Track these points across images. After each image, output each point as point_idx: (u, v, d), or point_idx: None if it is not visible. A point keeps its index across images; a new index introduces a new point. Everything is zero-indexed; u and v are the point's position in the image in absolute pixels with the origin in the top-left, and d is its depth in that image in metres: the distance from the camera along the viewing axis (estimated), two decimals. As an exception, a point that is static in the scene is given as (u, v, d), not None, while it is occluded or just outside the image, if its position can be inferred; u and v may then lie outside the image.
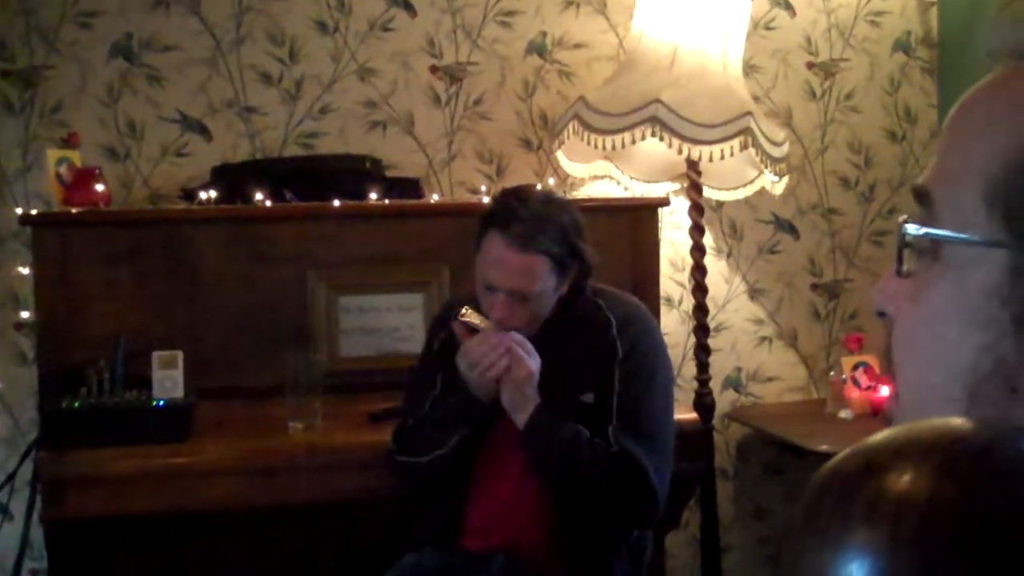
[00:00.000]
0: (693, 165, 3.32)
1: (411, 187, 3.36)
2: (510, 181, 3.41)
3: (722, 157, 3.17)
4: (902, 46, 3.91)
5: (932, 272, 0.69)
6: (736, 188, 3.53)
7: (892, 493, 0.50)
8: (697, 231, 3.41)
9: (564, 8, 3.62)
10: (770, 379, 3.85)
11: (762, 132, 3.21)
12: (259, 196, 3.12)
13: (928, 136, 3.90)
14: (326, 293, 3.13)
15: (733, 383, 3.82)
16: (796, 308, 3.86)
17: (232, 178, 3.22)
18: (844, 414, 3.44)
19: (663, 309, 3.52)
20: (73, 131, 3.18)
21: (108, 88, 3.35)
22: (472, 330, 2.38)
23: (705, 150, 3.16)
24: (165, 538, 2.80)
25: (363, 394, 2.99)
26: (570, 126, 3.28)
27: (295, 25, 3.45)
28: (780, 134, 3.39)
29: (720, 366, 3.71)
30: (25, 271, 3.20)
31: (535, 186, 2.64)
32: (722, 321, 3.78)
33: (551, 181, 3.51)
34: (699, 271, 3.42)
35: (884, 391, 3.41)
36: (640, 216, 3.37)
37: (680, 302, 3.71)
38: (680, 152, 3.18)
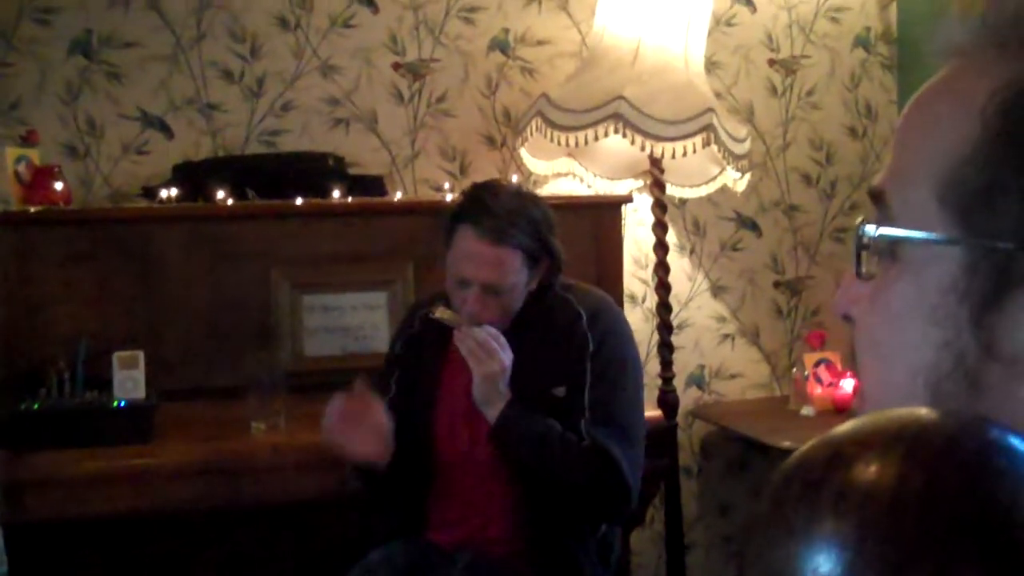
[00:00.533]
0: (656, 162, 3.33)
1: (374, 185, 3.34)
2: (473, 178, 3.37)
3: (684, 154, 3.18)
4: (862, 42, 3.93)
5: (891, 272, 0.69)
6: (699, 185, 3.54)
7: (859, 483, 0.50)
8: (660, 228, 3.41)
9: (526, 4, 3.62)
10: (733, 376, 3.87)
11: (724, 129, 3.22)
12: (221, 194, 3.10)
13: (889, 132, 3.93)
14: (289, 292, 3.11)
15: (696, 380, 3.84)
16: (759, 305, 3.88)
17: (194, 176, 3.19)
18: (806, 411, 3.47)
19: (627, 306, 3.53)
20: (32, 129, 3.14)
21: (67, 85, 3.31)
22: (448, 328, 2.38)
23: (668, 147, 3.17)
24: (128, 540, 2.78)
25: (327, 393, 2.94)
26: (533, 123, 3.28)
27: (256, 21, 3.43)
28: (742, 131, 3.41)
29: (683, 363, 3.72)
30: (-17, 271, 3.16)
31: (505, 180, 2.64)
32: (685, 319, 3.79)
33: (515, 178, 3.50)
34: (662, 268, 3.43)
35: (846, 387, 3.44)
36: (603, 213, 3.37)
37: (643, 299, 3.72)
38: (643, 149, 3.19)
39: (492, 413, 2.34)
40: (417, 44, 3.55)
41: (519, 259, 2.35)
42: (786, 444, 3.19)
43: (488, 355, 2.32)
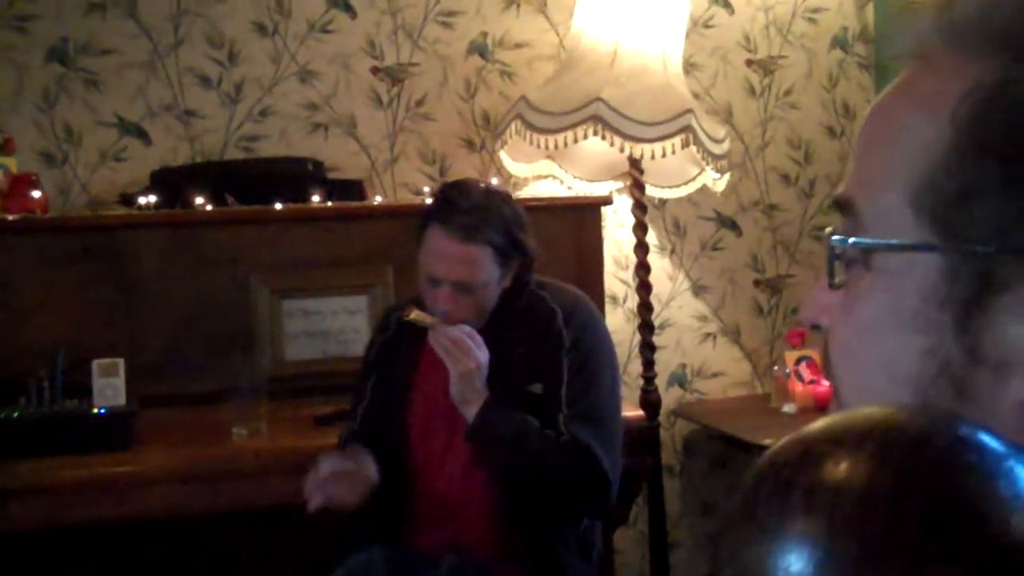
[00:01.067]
0: (635, 163, 3.33)
1: (354, 189, 3.34)
2: (453, 182, 3.40)
3: (664, 155, 3.19)
4: (839, 42, 3.95)
5: (864, 281, 0.69)
6: (678, 186, 3.55)
7: (829, 481, 0.49)
8: (640, 229, 3.42)
9: (505, 8, 3.62)
10: (715, 375, 3.88)
11: (703, 129, 3.23)
12: (200, 200, 3.09)
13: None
14: (269, 297, 3.10)
15: (678, 380, 3.84)
16: (739, 304, 3.89)
17: (172, 182, 3.19)
18: (788, 408, 3.48)
19: (608, 307, 3.54)
20: (8, 137, 3.13)
21: (44, 93, 3.30)
22: (423, 330, 2.38)
23: (647, 148, 3.18)
24: (110, 547, 2.77)
25: (308, 398, 2.97)
26: (512, 126, 3.28)
27: (234, 27, 3.42)
28: (721, 131, 3.41)
29: (665, 363, 3.73)
30: (-39, 280, 3.15)
31: (476, 179, 2.64)
32: (667, 318, 3.80)
33: (494, 181, 3.50)
34: (643, 269, 3.44)
35: (827, 384, 3.45)
36: (583, 215, 3.38)
37: (624, 300, 3.73)
38: (622, 150, 3.19)
39: (470, 412, 2.34)
40: (395, 48, 3.55)
41: (489, 256, 2.35)
42: (768, 442, 3.19)
43: (464, 353, 2.32)
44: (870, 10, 3.97)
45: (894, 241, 0.66)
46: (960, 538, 0.47)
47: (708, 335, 3.87)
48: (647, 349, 3.46)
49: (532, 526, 2.40)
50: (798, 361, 3.53)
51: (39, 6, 3.28)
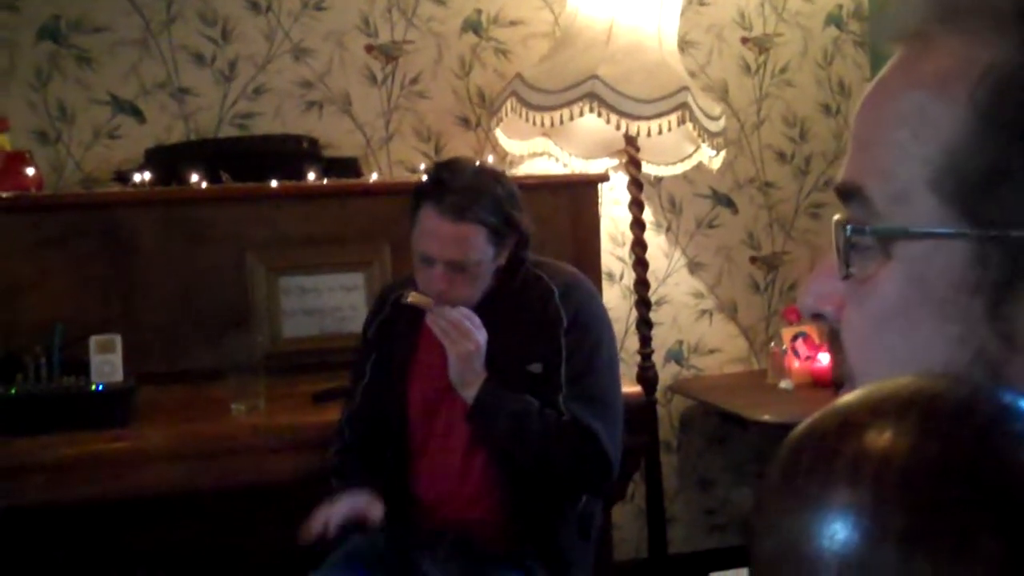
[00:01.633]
0: (631, 141, 3.33)
1: (349, 167, 3.33)
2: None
3: (660, 132, 3.18)
4: (834, 20, 3.95)
5: (884, 270, 0.66)
6: (674, 163, 3.54)
7: (873, 451, 0.49)
8: (636, 206, 3.42)
9: (499, -15, 3.61)
10: (711, 351, 3.89)
11: (699, 107, 3.23)
12: (195, 178, 3.08)
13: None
14: (265, 274, 3.10)
15: (675, 356, 3.85)
16: (735, 281, 3.90)
17: (166, 160, 3.17)
18: (785, 384, 3.48)
19: (604, 284, 3.54)
20: (2, 115, 3.12)
21: (37, 71, 3.29)
22: (420, 311, 2.37)
23: (643, 125, 3.17)
24: (108, 524, 2.76)
25: (306, 375, 2.97)
26: (508, 103, 3.27)
27: (227, 5, 3.41)
28: (716, 109, 3.41)
29: (662, 340, 3.74)
30: (-44, 259, 3.13)
31: (468, 158, 2.63)
32: (663, 295, 3.80)
33: (490, 159, 3.49)
34: (639, 246, 3.44)
35: (823, 360, 3.46)
36: (580, 192, 3.37)
37: (621, 277, 3.73)
38: (618, 128, 3.19)
39: (469, 393, 2.34)
40: (390, 26, 3.54)
41: (482, 235, 2.33)
42: (765, 418, 3.21)
43: (462, 335, 2.31)
44: (865, -13, 3.97)
45: (920, 228, 0.64)
46: (1007, 508, 0.46)
47: (704, 312, 3.87)
48: (644, 326, 3.46)
49: (532, 506, 2.40)
50: (794, 337, 3.54)
51: (31, -16, 3.26)
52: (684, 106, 3.16)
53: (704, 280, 3.86)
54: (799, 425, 0.55)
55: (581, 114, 3.17)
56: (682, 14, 3.46)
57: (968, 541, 0.46)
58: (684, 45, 3.65)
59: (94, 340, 2.76)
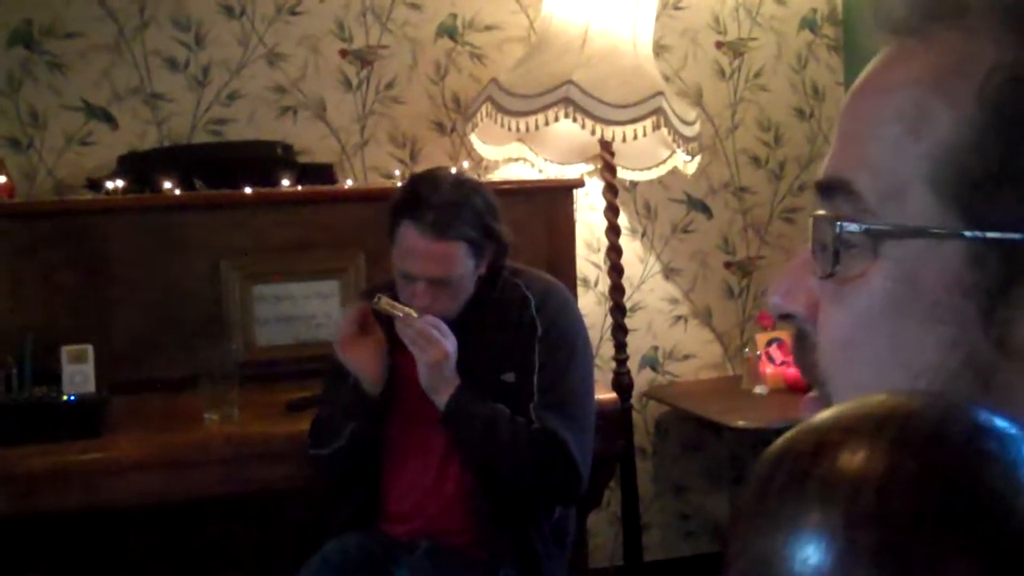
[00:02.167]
0: (606, 146, 3.33)
1: (324, 173, 3.32)
2: (424, 165, 3.39)
3: (635, 137, 3.18)
4: (809, 24, 3.96)
5: (871, 269, 0.64)
6: (649, 168, 3.54)
7: (846, 472, 0.48)
8: (612, 212, 3.42)
9: (474, -11, 3.61)
10: (686, 357, 3.89)
11: (673, 112, 3.23)
12: (168, 184, 3.07)
13: (836, 113, 3.95)
14: (239, 282, 3.08)
15: (650, 362, 3.85)
16: (710, 286, 3.90)
17: (140, 167, 3.16)
18: (759, 390, 3.49)
19: (579, 290, 3.54)
20: (-28, 122, 3.10)
21: (8, 77, 3.26)
22: (388, 318, 2.37)
23: (618, 130, 3.17)
24: (81, 535, 2.74)
25: (280, 383, 2.96)
26: (483, 108, 3.27)
27: (200, 9, 3.39)
28: (691, 113, 3.42)
29: (637, 345, 3.74)
30: (-74, 266, 3.11)
31: (444, 168, 2.62)
32: (638, 301, 3.80)
33: (465, 164, 3.49)
34: (614, 252, 3.44)
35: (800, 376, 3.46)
36: (555, 198, 3.37)
37: (596, 283, 3.73)
38: (593, 133, 3.19)
39: (441, 399, 2.34)
40: (364, 31, 3.53)
41: (463, 250, 2.33)
42: (740, 424, 3.22)
43: (430, 343, 2.30)
44: (838, -8, 3.98)
45: (919, 226, 0.62)
46: (982, 529, 0.46)
47: (679, 317, 3.88)
48: (619, 331, 3.46)
49: (506, 513, 2.40)
50: (769, 343, 3.54)
51: (1, -12, 3.24)
52: (659, 111, 3.16)
53: (679, 286, 3.87)
54: (773, 444, 0.54)
55: (556, 119, 3.17)
56: (657, 18, 3.46)
57: (942, 562, 0.46)
58: (659, 50, 3.65)
59: (66, 350, 2.74)
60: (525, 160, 3.57)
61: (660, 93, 3.19)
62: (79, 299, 2.99)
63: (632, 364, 3.57)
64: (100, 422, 2.72)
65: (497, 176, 3.58)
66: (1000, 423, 0.51)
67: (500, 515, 2.40)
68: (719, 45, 3.87)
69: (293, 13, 3.46)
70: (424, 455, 2.43)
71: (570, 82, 3.14)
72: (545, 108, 3.17)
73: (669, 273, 3.85)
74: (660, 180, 3.66)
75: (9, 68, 3.26)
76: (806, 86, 3.97)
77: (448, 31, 3.59)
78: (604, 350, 3.63)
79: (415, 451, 2.44)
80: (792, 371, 3.46)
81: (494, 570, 2.38)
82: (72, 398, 2.70)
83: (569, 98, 3.13)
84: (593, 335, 3.45)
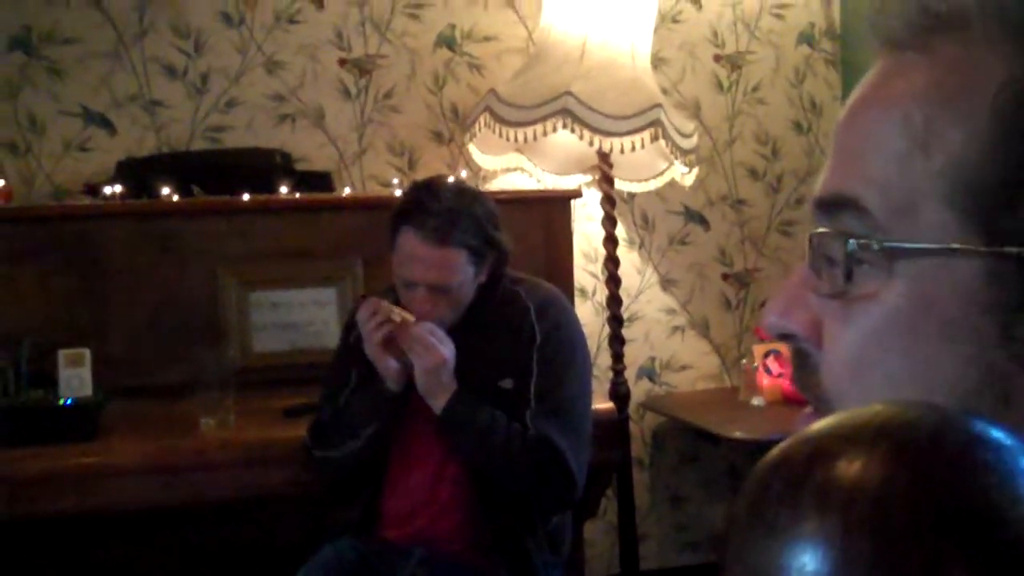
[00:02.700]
0: (604, 157, 3.34)
1: (322, 181, 3.32)
2: (422, 174, 3.39)
3: (633, 149, 3.19)
4: (806, 38, 3.97)
5: (885, 287, 0.63)
6: (647, 180, 3.55)
7: (843, 480, 0.48)
8: (609, 222, 3.42)
9: (472, 0, 3.61)
10: (683, 368, 3.89)
11: (672, 124, 3.24)
12: (166, 191, 3.06)
13: (833, 128, 3.96)
14: (237, 289, 3.08)
15: (647, 372, 3.85)
16: (707, 298, 3.91)
17: (138, 173, 3.16)
18: (757, 401, 3.49)
19: (577, 300, 3.54)
20: (-29, 126, 3.10)
21: (7, 82, 3.26)
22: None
23: (616, 142, 3.18)
24: (76, 540, 2.73)
25: (276, 390, 2.95)
26: (481, 119, 3.28)
27: (200, 17, 3.40)
28: (689, 126, 3.43)
29: (634, 356, 3.74)
30: (-78, 271, 3.10)
31: (444, 177, 2.62)
32: (635, 311, 3.80)
33: (463, 174, 3.49)
34: (612, 262, 3.44)
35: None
36: (553, 208, 3.37)
37: (594, 293, 3.73)
38: (591, 144, 3.19)
39: (438, 404, 2.34)
40: (363, 40, 3.54)
41: (464, 257, 2.34)
42: (737, 435, 3.22)
43: (426, 350, 2.31)
44: (836, 6, 4.00)
45: (935, 244, 0.61)
46: (978, 539, 0.46)
47: (677, 328, 3.88)
48: (616, 342, 3.46)
49: (502, 520, 2.39)
50: (766, 355, 3.54)
51: (2, -6, 3.24)
52: (657, 123, 3.17)
53: (676, 297, 3.87)
54: (769, 453, 0.53)
55: (555, 130, 3.18)
56: (655, 31, 3.47)
57: (938, 572, 0.45)
58: (657, 62, 3.67)
59: (63, 354, 2.73)
60: (523, 170, 3.58)
61: (658, 105, 3.20)
62: (76, 304, 2.99)
63: (629, 374, 3.57)
64: (96, 426, 2.72)
65: (495, 186, 3.59)
66: (996, 433, 0.50)
67: (496, 521, 2.39)
68: (717, 58, 3.89)
69: (292, 22, 3.47)
70: (421, 459, 2.43)
71: (568, 93, 3.15)
72: (543, 119, 3.17)
73: (666, 284, 3.86)
74: (658, 192, 3.67)
75: (8, 73, 3.26)
76: (804, 100, 3.98)
77: (447, 41, 3.60)
78: (601, 360, 3.63)
79: (412, 455, 2.44)
80: (789, 383, 3.46)
81: (490, 577, 2.38)
82: (69, 402, 2.70)
83: (567, 109, 3.14)
84: (590, 345, 3.44)
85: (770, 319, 0.70)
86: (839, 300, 0.65)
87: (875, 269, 0.64)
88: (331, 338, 2.92)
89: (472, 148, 3.45)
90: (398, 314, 2.33)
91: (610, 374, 3.48)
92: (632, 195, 3.73)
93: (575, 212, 3.58)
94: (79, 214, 3.07)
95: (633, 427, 3.68)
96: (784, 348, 3.49)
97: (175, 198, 3.07)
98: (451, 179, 2.58)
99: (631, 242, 3.79)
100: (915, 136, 0.63)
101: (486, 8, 3.62)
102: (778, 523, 0.49)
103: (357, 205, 3.26)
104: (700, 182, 3.73)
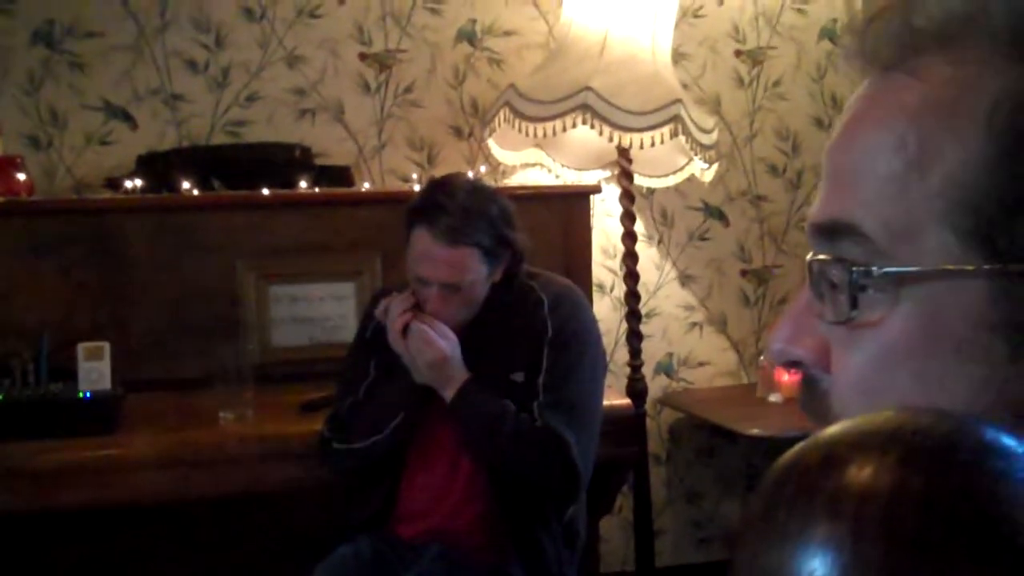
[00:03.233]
0: (624, 152, 3.33)
1: (341, 175, 3.33)
2: (441, 169, 3.40)
3: (652, 144, 3.18)
4: (828, 34, 3.95)
5: (893, 312, 0.62)
6: (666, 175, 3.55)
7: (854, 486, 0.49)
8: (628, 218, 3.42)
9: (494, -5, 3.62)
10: (701, 364, 3.88)
11: (691, 119, 3.23)
12: (186, 185, 3.08)
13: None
14: (256, 283, 3.09)
15: (665, 369, 3.85)
16: (726, 294, 3.90)
17: (158, 167, 3.17)
18: (774, 398, 3.48)
19: (595, 296, 3.53)
20: (-7, 119, 3.12)
21: (29, 76, 3.28)
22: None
23: (636, 137, 3.17)
24: (94, 532, 2.76)
25: (294, 384, 2.96)
26: (501, 114, 3.28)
27: (221, 11, 3.41)
28: (709, 121, 3.41)
29: (652, 352, 3.73)
30: (-55, 263, 3.13)
31: (462, 175, 2.62)
32: (653, 307, 3.80)
33: (482, 169, 3.50)
34: (630, 258, 3.44)
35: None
36: (572, 204, 3.37)
37: (612, 289, 3.73)
38: (611, 140, 3.19)
39: (448, 393, 2.36)
40: (384, 35, 3.54)
41: (476, 257, 2.34)
42: (754, 431, 3.21)
43: (426, 344, 2.33)
44: (859, 1, 3.97)
45: (939, 267, 0.61)
46: (988, 547, 0.46)
47: (694, 324, 3.87)
48: (634, 338, 3.46)
49: (517, 515, 2.40)
50: (784, 351, 3.53)
51: (24, -12, 3.26)
52: (677, 119, 3.17)
53: (695, 293, 3.87)
54: (783, 456, 0.54)
55: (574, 125, 3.18)
56: (676, 26, 3.46)
57: None
58: (678, 57, 3.66)
59: (82, 347, 2.75)
60: (542, 166, 3.58)
61: (678, 101, 3.19)
62: (96, 297, 3.01)
63: (647, 370, 3.57)
64: (115, 419, 2.73)
65: (514, 181, 3.59)
66: (1008, 441, 0.50)
67: (510, 517, 2.40)
68: (738, 53, 3.87)
69: (313, 16, 3.48)
70: (435, 456, 2.44)
71: (588, 88, 3.14)
72: (563, 114, 3.17)
73: (685, 280, 3.85)
74: (677, 187, 3.66)
75: (30, 67, 3.28)
76: (825, 96, 3.96)
77: (467, 36, 3.60)
78: (619, 356, 3.63)
79: (428, 451, 2.45)
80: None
81: (504, 572, 2.38)
82: (88, 395, 2.71)
83: (587, 104, 3.14)
84: (608, 341, 3.47)
85: (776, 346, 0.70)
86: (841, 327, 0.65)
87: (880, 294, 0.63)
88: (349, 333, 2.92)
89: (491, 143, 3.45)
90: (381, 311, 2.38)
91: (627, 370, 3.48)
92: (651, 191, 3.72)
93: (594, 208, 3.57)
94: (100, 208, 3.08)
95: (650, 423, 3.68)
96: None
97: (195, 192, 3.09)
98: (468, 176, 2.58)
99: (650, 238, 3.78)
100: (909, 157, 0.62)
101: (506, 3, 3.62)
102: (789, 528, 0.50)
103: (376, 200, 3.27)
104: (720, 178, 3.73)
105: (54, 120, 3.30)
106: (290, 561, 2.76)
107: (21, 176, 3.01)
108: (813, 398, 0.69)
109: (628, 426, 2.97)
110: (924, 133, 0.62)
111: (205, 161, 3.21)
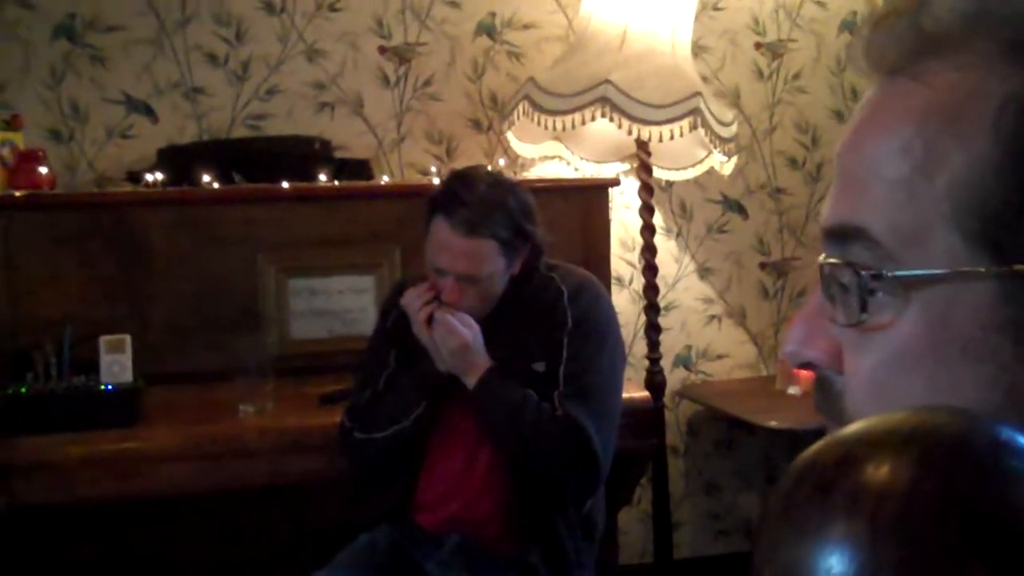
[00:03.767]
0: (643, 145, 3.33)
1: (361, 168, 3.34)
2: (460, 162, 3.40)
3: (672, 137, 3.18)
4: (848, 27, 3.93)
5: (903, 315, 0.63)
6: (685, 168, 3.54)
7: (871, 485, 0.49)
8: (647, 211, 3.42)
9: (513, -12, 3.61)
10: (720, 357, 3.88)
11: (711, 112, 3.22)
12: (207, 178, 3.09)
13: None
14: (276, 276, 3.11)
15: (683, 361, 3.85)
16: (745, 286, 3.89)
17: (179, 160, 3.18)
18: (793, 390, 3.48)
19: (614, 288, 3.54)
20: (16, 113, 3.13)
21: (51, 69, 3.30)
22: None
23: (655, 130, 3.17)
24: (115, 524, 2.78)
25: (314, 377, 2.98)
26: (520, 107, 3.28)
27: (241, 5, 3.42)
28: (729, 114, 3.41)
29: (670, 344, 3.73)
30: (-32, 256, 3.15)
31: (483, 167, 2.63)
32: (672, 300, 3.80)
33: (501, 162, 3.50)
34: (649, 251, 3.44)
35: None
36: (590, 196, 3.38)
37: (630, 281, 3.73)
38: (630, 133, 3.19)
39: (470, 381, 2.37)
40: (403, 28, 3.54)
41: (494, 249, 2.35)
42: (772, 424, 3.21)
43: (449, 332, 2.35)
44: (879, -6, 3.96)
45: (947, 270, 0.61)
46: (1005, 545, 0.46)
47: (713, 317, 3.87)
48: (652, 330, 3.46)
49: (536, 506, 2.41)
50: (803, 344, 3.52)
51: (47, -18, 3.28)
52: (696, 111, 3.16)
53: (713, 285, 3.86)
54: (801, 454, 0.54)
55: (593, 118, 3.18)
56: (696, 19, 3.46)
57: None
58: (697, 50, 3.65)
59: (104, 340, 2.77)
60: (561, 158, 3.58)
61: (698, 94, 3.18)
62: (118, 290, 3.02)
63: (665, 363, 3.57)
64: (136, 412, 2.75)
65: (533, 174, 3.59)
66: (1022, 440, 0.51)
67: (529, 507, 2.41)
68: (758, 46, 3.86)
69: (333, 10, 3.48)
70: (454, 446, 2.45)
71: (608, 82, 3.14)
72: (582, 107, 3.17)
73: (704, 273, 3.85)
74: (696, 180, 3.66)
75: (52, 61, 3.30)
76: (845, 89, 3.95)
77: (487, 29, 3.61)
78: (637, 348, 3.63)
79: (445, 442, 2.46)
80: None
81: (523, 563, 2.39)
82: (109, 387, 2.73)
83: (606, 97, 3.14)
84: (626, 333, 3.47)
85: (789, 348, 0.71)
86: (853, 329, 0.66)
87: (890, 298, 0.64)
88: (369, 325, 2.93)
89: (510, 136, 3.46)
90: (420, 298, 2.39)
91: (646, 362, 3.48)
92: (670, 183, 3.72)
93: (613, 200, 3.58)
94: (121, 201, 3.10)
95: (668, 415, 3.69)
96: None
97: (215, 185, 3.10)
98: (489, 169, 2.59)
99: (668, 231, 3.78)
100: (916, 162, 0.63)
101: (526, -4, 3.62)
102: (808, 525, 0.50)
103: (395, 193, 3.28)
104: (739, 170, 3.72)
105: (75, 114, 3.32)
106: (309, 552, 2.78)
107: (43, 169, 3.03)
108: (827, 399, 0.70)
109: (647, 418, 2.98)
110: (930, 138, 0.63)
111: (225, 155, 3.22)
